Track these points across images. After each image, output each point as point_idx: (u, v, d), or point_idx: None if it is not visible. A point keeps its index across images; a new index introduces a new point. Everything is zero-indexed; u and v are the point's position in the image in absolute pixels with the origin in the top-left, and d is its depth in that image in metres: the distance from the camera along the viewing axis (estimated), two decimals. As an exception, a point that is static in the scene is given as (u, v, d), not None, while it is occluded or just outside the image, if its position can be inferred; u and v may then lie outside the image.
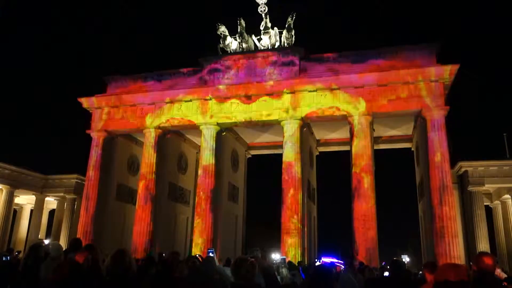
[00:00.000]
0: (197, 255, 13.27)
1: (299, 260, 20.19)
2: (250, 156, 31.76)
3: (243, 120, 24.54)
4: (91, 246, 6.56)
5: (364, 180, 21.51)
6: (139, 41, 73.73)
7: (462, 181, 26.93)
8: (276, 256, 16.30)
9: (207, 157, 24.50)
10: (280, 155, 24.13)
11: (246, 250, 28.80)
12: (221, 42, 26.01)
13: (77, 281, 4.11)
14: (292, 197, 22.28)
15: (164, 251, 18.59)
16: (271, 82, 23.76)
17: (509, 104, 58.04)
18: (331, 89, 22.93)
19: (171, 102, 25.57)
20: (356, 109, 22.48)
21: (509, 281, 5.51)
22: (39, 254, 7.09)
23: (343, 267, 12.92)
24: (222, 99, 24.66)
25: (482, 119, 59.23)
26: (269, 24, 25.47)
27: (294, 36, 25.21)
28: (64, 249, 7.95)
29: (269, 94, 23.90)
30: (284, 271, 7.27)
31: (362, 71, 22.68)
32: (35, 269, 6.59)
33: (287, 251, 21.13)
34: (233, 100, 24.50)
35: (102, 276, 4.88)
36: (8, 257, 13.87)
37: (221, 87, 24.58)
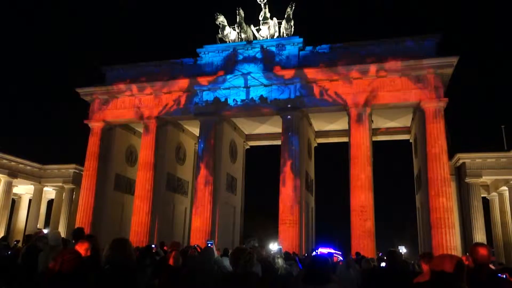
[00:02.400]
0: (196, 246, 13.35)
1: (296, 250, 20.31)
2: (248, 147, 31.75)
3: (242, 111, 24.57)
4: (92, 236, 6.60)
5: (362, 171, 21.57)
6: (138, 31, 73.33)
7: (459, 172, 27.03)
8: (273, 247, 16.38)
9: (205, 148, 24.52)
10: (279, 146, 24.18)
11: (244, 240, 28.93)
12: (220, 32, 25.87)
13: (82, 272, 4.14)
14: (290, 188, 22.34)
15: (164, 241, 18.64)
16: (270, 73, 23.72)
17: (507, 96, 58.03)
18: (330, 80, 22.91)
19: (169, 92, 25.52)
20: (355, 100, 22.48)
21: (510, 273, 5.53)
22: (39, 243, 7.14)
23: (340, 257, 13.02)
24: (221, 89, 24.62)
25: (480, 111, 59.34)
26: (268, 15, 25.32)
27: (293, 27, 25.09)
28: (62, 238, 7.99)
29: (268, 85, 23.88)
30: (280, 261, 7.32)
31: (361, 62, 22.62)
32: (34, 258, 6.63)
33: (284, 242, 21.22)
34: (231, 90, 24.47)
35: (101, 266, 4.91)
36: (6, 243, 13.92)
37: (219, 77, 24.51)
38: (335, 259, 11.43)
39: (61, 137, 57.33)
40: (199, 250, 11.42)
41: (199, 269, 6.60)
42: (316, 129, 29.17)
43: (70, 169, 33.74)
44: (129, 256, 4.31)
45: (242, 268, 4.40)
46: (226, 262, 7.44)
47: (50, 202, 37.42)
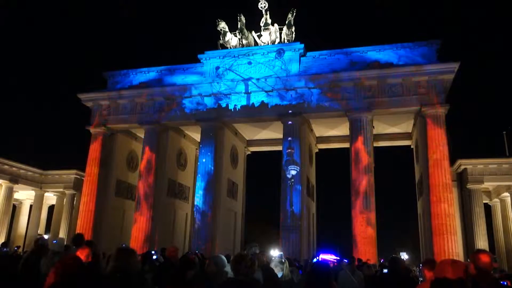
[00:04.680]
0: (196, 251, 13.33)
1: (297, 256, 20.23)
2: (249, 152, 31.75)
3: (243, 116, 24.62)
4: (91, 242, 6.59)
5: (363, 177, 21.54)
6: (140, 37, 73.65)
7: (461, 178, 26.94)
8: (274, 253, 16.31)
9: (206, 153, 24.53)
10: (280, 152, 24.17)
11: (245, 246, 28.85)
12: (221, 38, 25.97)
13: (82, 278, 4.13)
14: (291, 194, 22.29)
15: (164, 247, 18.59)
16: (271, 79, 23.78)
17: (508, 102, 58.00)
18: (331, 86, 22.96)
19: (171, 97, 25.59)
20: (356, 105, 22.51)
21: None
22: (43, 249, 7.15)
23: (335, 261, 12.93)
24: (222, 94, 24.67)
25: (481, 117, 59.31)
26: (269, 21, 25.41)
27: (294, 33, 25.17)
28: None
29: (269, 90, 23.93)
30: (284, 267, 7.28)
31: (362, 67, 22.69)
32: (36, 264, 6.63)
33: (285, 248, 21.16)
34: (233, 96, 24.53)
35: (102, 272, 4.91)
36: (6, 249, 13.95)
37: (220, 83, 24.58)
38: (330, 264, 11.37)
39: (62, 142, 57.37)
40: (199, 256, 11.38)
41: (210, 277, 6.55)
42: (317, 135, 29.17)
43: (71, 174, 33.72)
44: (133, 266, 4.31)
45: (243, 274, 4.38)
46: (227, 268, 7.39)
47: (51, 208, 37.36)
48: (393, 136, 28.38)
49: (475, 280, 4.09)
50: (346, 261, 11.28)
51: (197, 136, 28.10)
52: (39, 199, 34.69)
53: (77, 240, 7.51)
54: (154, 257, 11.16)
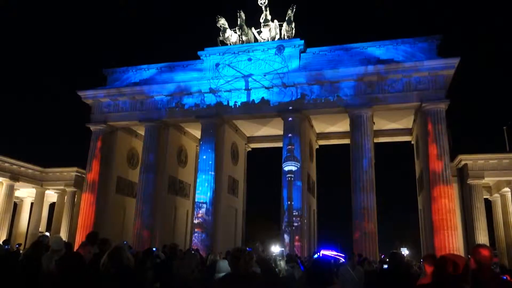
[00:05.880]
0: (196, 248, 13.33)
1: (298, 252, 20.28)
2: (250, 149, 31.75)
3: (243, 113, 24.60)
4: (106, 240, 6.57)
5: (364, 173, 21.54)
6: (139, 34, 73.52)
7: (461, 174, 26.93)
8: (275, 249, 16.36)
9: (206, 150, 24.53)
10: (281, 148, 24.18)
11: (246, 242, 28.90)
12: (221, 35, 25.91)
13: (78, 274, 4.15)
14: (292, 190, 22.28)
15: (166, 244, 18.62)
16: (271, 75, 23.75)
17: (509, 97, 57.91)
18: (331, 82, 22.94)
19: (171, 94, 25.58)
20: (356, 102, 22.49)
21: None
22: (42, 246, 7.17)
23: (342, 259, 12.97)
24: (222, 91, 24.65)
25: (482, 112, 59.25)
26: (269, 17, 25.35)
27: (294, 29, 25.12)
28: (64, 242, 8.00)
29: (269, 87, 23.90)
30: (282, 263, 7.29)
31: (362, 63, 22.65)
32: (36, 261, 6.65)
33: (286, 244, 21.18)
34: (233, 93, 24.51)
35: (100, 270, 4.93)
36: (8, 247, 13.96)
37: (220, 80, 24.55)
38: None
39: (62, 140, 57.40)
40: (200, 254, 11.39)
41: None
42: (317, 131, 29.16)
43: (71, 172, 33.71)
44: (126, 264, 4.34)
45: (241, 268, 4.37)
46: (224, 264, 7.37)
47: (52, 205, 37.39)
48: (393, 132, 28.38)
49: (476, 274, 4.09)
50: (343, 255, 11.30)
51: (197, 133, 28.10)
52: (40, 197, 34.71)
53: (90, 237, 7.53)
54: (155, 254, 11.19)
